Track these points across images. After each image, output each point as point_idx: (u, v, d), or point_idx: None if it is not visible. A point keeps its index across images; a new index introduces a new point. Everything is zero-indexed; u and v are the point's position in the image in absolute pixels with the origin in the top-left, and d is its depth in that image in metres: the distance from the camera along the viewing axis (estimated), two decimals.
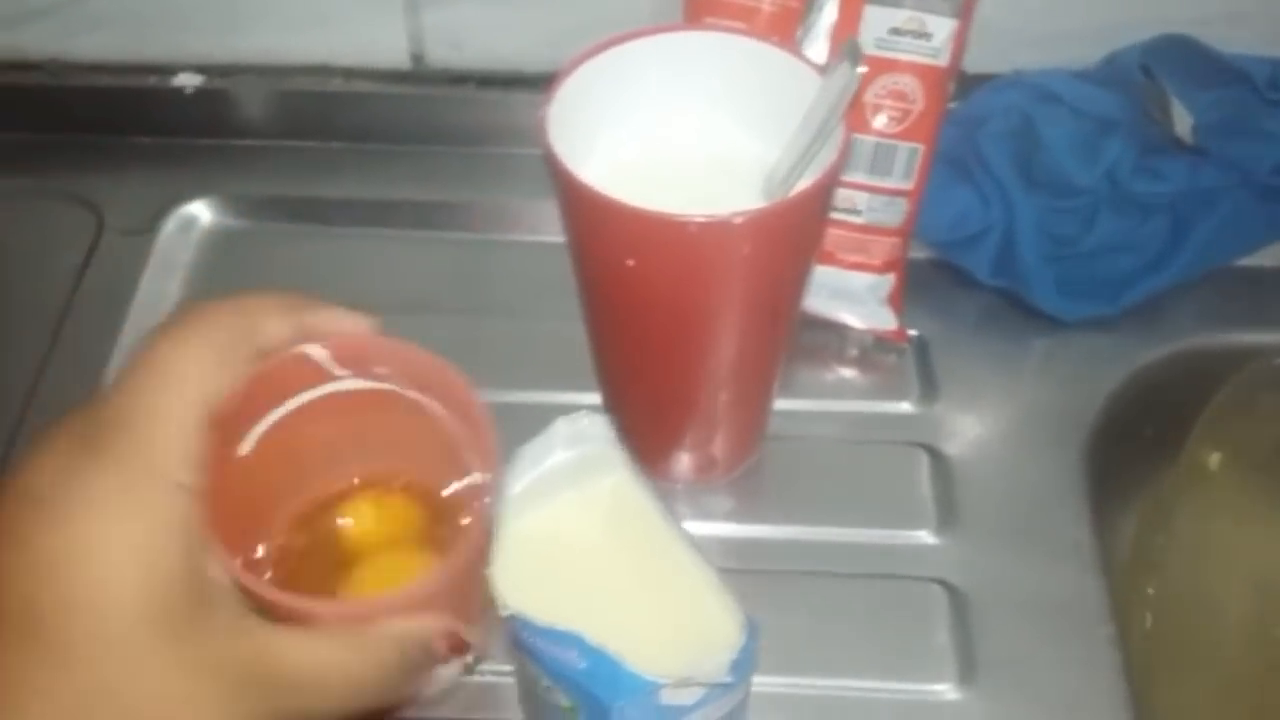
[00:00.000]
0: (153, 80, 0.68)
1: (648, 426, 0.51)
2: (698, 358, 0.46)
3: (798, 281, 0.46)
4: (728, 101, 0.45)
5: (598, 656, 0.33)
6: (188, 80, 0.67)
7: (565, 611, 0.34)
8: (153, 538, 0.29)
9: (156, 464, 0.30)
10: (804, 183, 0.41)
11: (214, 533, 0.31)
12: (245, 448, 0.36)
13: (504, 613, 0.35)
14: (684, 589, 0.36)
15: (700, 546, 0.50)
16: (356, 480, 0.40)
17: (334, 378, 0.37)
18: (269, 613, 0.32)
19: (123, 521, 0.29)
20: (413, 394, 0.37)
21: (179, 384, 0.31)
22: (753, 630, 0.35)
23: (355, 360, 0.37)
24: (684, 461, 0.53)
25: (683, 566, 0.37)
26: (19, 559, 0.28)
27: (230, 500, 0.32)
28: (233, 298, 0.34)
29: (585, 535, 0.37)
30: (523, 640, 0.35)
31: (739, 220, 0.38)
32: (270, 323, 0.34)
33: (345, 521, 0.39)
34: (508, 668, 0.46)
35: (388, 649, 0.32)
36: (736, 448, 0.54)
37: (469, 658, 0.37)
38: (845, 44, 0.39)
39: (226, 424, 0.33)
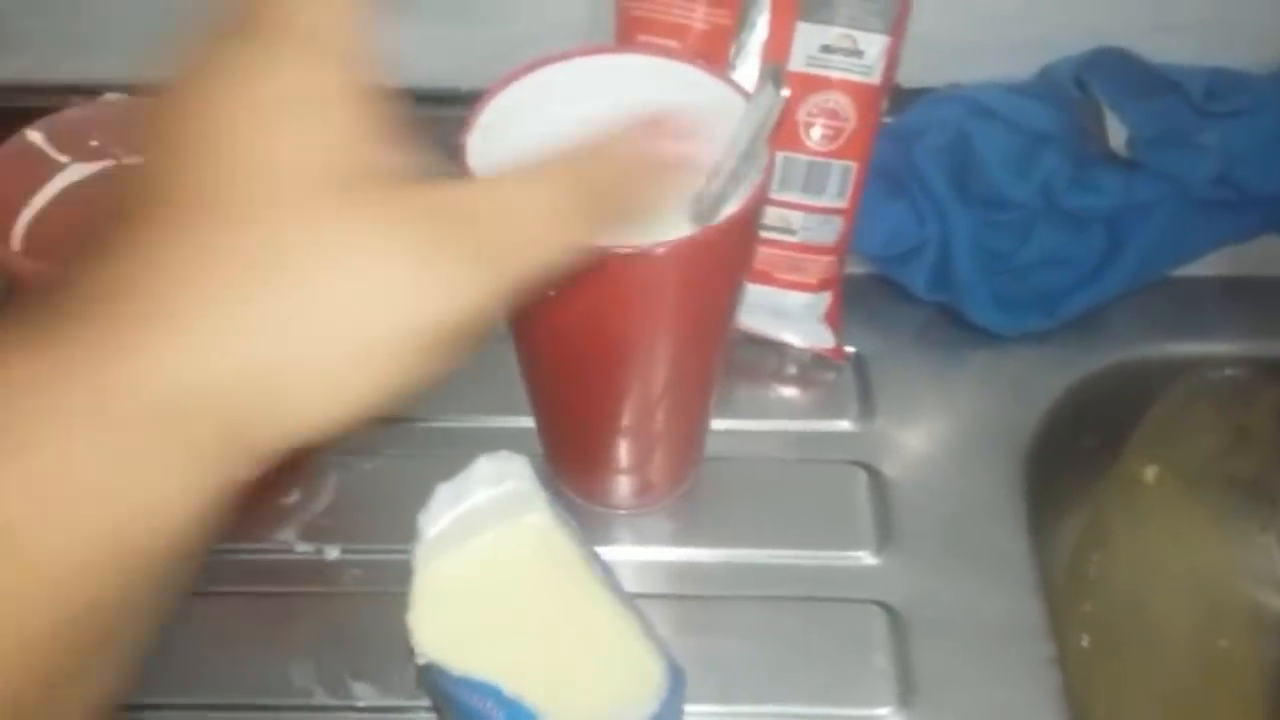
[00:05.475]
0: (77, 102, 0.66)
1: (581, 454, 0.51)
2: (627, 385, 0.45)
3: (728, 305, 0.45)
4: None
5: (514, 708, 0.32)
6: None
7: (484, 659, 0.33)
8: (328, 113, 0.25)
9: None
10: (731, 207, 0.40)
11: None
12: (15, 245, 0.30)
13: (420, 661, 0.34)
14: (606, 635, 0.35)
15: (639, 572, 0.49)
16: None
17: (61, 166, 0.32)
18: None
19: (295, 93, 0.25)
20: None
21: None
22: (676, 680, 0.34)
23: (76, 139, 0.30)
24: (621, 486, 0.52)
25: (606, 611, 0.36)
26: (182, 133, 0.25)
27: None
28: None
29: (505, 579, 0.36)
30: (440, 688, 0.34)
31: (660, 251, 0.38)
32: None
33: None
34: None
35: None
36: (673, 471, 0.53)
37: None
38: (767, 67, 0.39)
39: None
